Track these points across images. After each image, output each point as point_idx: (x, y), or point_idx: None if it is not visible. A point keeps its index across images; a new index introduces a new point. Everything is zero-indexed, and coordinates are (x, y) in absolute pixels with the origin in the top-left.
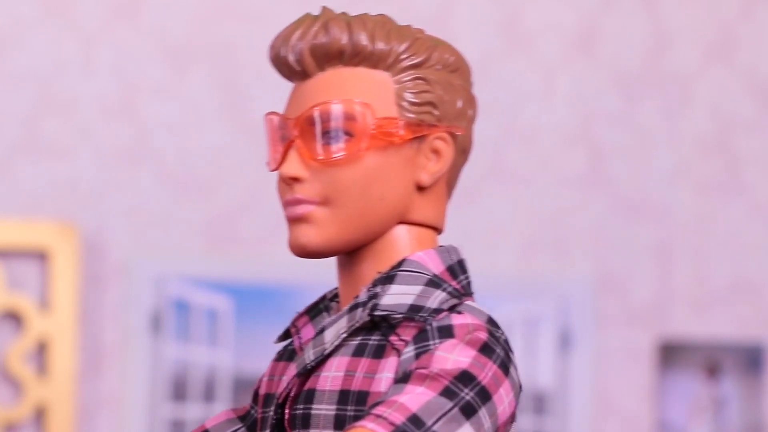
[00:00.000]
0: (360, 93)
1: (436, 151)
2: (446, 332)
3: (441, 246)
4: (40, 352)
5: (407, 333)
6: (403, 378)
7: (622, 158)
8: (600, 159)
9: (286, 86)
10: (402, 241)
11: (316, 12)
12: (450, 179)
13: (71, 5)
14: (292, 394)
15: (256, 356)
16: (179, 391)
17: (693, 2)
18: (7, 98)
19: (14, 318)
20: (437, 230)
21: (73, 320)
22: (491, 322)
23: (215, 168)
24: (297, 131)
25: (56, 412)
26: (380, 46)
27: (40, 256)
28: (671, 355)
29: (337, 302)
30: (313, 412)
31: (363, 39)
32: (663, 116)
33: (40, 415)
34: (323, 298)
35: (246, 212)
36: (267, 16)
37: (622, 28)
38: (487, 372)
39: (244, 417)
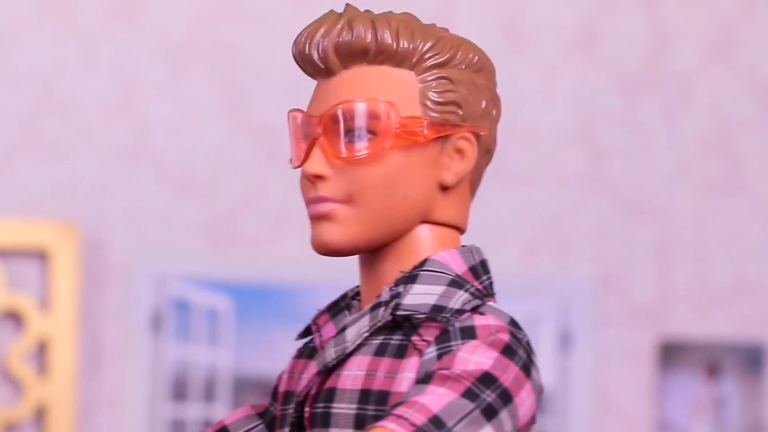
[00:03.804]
0: (384, 92)
1: (459, 151)
2: (468, 333)
3: (464, 246)
4: (40, 352)
5: (429, 333)
6: (424, 378)
7: (622, 158)
8: (600, 159)
9: (286, 86)
10: (425, 241)
11: (315, 13)
12: (473, 179)
13: (71, 5)
14: (312, 392)
15: (257, 356)
16: (179, 391)
17: (693, 2)
18: (7, 98)
19: (14, 318)
20: (460, 230)
21: (73, 320)
22: (513, 323)
23: (215, 168)
24: (321, 129)
25: (56, 412)
26: (404, 44)
27: (40, 256)
28: (671, 355)
29: (359, 300)
30: (333, 410)
31: (387, 38)
32: (663, 116)
33: (40, 415)
34: (344, 296)
35: (246, 212)
36: (267, 16)
37: (622, 28)
38: (509, 374)
39: (263, 414)
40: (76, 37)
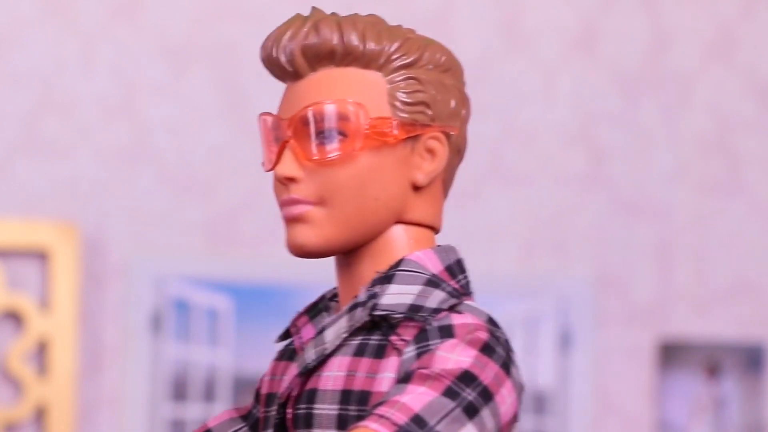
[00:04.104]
0: (353, 93)
1: (430, 151)
2: (447, 332)
3: (439, 246)
4: (40, 352)
5: (408, 333)
6: (404, 378)
7: (622, 158)
8: (600, 159)
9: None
10: (400, 241)
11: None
12: (445, 179)
13: (71, 5)
14: (294, 393)
15: (256, 356)
16: (179, 391)
17: (693, 2)
18: (7, 98)
19: (14, 318)
20: (434, 230)
21: (73, 320)
22: (491, 321)
23: (215, 168)
24: (291, 131)
25: (56, 412)
26: (371, 46)
27: (40, 256)
28: (671, 355)
29: (337, 302)
30: (315, 411)
31: (354, 39)
32: (663, 116)
33: (40, 415)
34: (322, 298)
35: (246, 212)
36: (267, 16)
37: (622, 28)
38: (488, 372)
39: (246, 416)
40: (76, 37)
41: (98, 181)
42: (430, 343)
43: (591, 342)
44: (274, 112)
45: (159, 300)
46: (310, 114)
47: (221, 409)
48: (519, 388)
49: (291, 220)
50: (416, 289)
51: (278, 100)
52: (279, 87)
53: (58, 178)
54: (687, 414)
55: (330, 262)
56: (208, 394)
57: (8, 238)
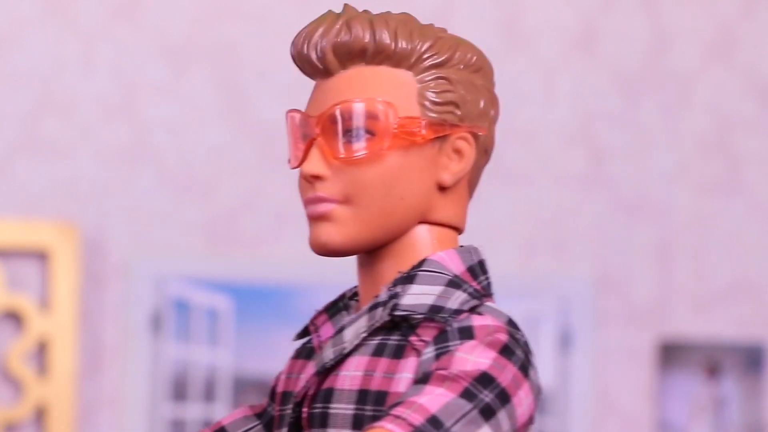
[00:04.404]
0: (382, 92)
1: (458, 151)
2: (467, 333)
3: (462, 246)
4: (40, 352)
5: (427, 333)
6: (422, 379)
7: (622, 158)
8: (600, 159)
9: (286, 86)
10: (423, 241)
11: (315, 13)
12: (471, 179)
13: (71, 5)
14: (310, 392)
15: (256, 356)
16: (179, 391)
17: (693, 2)
18: (7, 98)
19: (14, 318)
20: (458, 230)
21: (73, 320)
22: (511, 323)
23: (215, 168)
24: (319, 129)
25: (56, 412)
26: (403, 45)
27: (40, 256)
28: (671, 355)
29: (357, 301)
30: (331, 411)
31: (386, 38)
32: (663, 116)
33: (40, 415)
34: (342, 297)
35: (246, 212)
36: (267, 16)
37: (622, 28)
38: (506, 374)
39: (260, 414)
40: (76, 37)
41: (98, 181)
42: (449, 344)
43: (591, 342)
44: (275, 111)
45: (159, 300)
46: (338, 112)
47: (221, 409)
48: (536, 390)
49: (315, 218)
50: (437, 289)
51: (279, 100)
52: (279, 87)
53: (58, 178)
54: (687, 414)
55: (335, 261)
56: (208, 394)
57: (8, 238)
